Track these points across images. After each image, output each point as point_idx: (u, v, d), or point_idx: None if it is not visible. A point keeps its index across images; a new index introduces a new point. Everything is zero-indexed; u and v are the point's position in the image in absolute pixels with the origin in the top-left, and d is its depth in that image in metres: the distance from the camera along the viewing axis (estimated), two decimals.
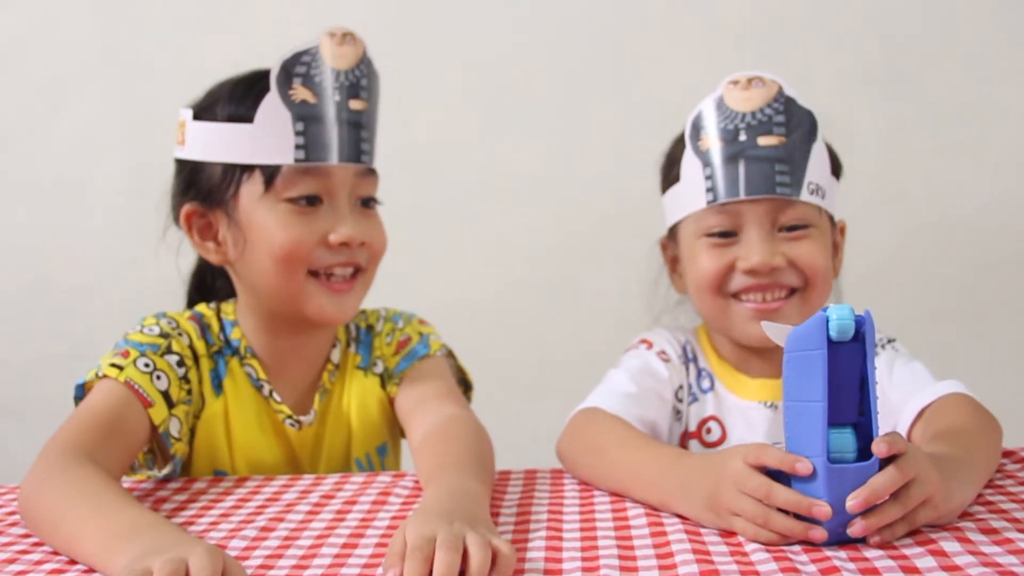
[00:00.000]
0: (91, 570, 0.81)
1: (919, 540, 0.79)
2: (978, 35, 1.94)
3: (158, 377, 1.06)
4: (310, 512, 0.96)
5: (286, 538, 0.88)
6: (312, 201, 1.10)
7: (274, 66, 1.07)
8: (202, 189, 1.12)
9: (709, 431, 1.23)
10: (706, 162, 1.14)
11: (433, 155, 1.97)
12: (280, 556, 0.84)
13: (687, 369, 1.23)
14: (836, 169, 1.20)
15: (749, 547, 0.80)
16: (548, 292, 2.00)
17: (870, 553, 0.78)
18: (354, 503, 0.98)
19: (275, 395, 1.15)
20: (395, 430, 1.22)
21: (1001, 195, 1.96)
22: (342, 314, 1.13)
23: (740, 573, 0.75)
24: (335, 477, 1.07)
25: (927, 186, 1.94)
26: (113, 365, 1.05)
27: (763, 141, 1.12)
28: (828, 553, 0.78)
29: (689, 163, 1.16)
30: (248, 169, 1.09)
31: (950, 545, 0.78)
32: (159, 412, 1.05)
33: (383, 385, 1.20)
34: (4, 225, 2.03)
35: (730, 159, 1.13)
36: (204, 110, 1.12)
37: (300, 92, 1.07)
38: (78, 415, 1.01)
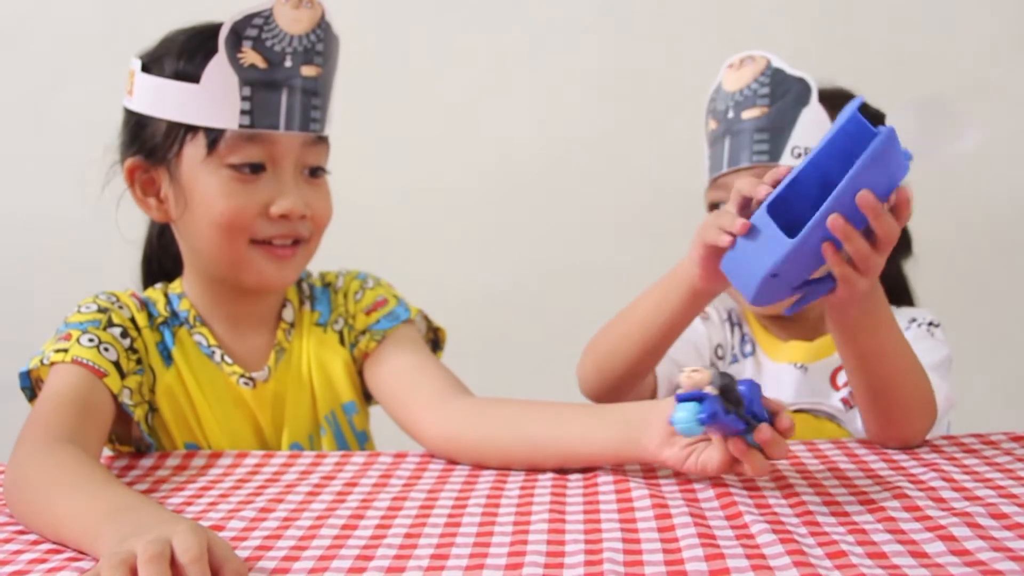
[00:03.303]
0: (77, 556, 0.80)
1: (928, 525, 0.78)
2: (981, 18, 1.92)
3: (105, 349, 1.05)
4: (310, 493, 0.95)
5: (285, 519, 0.87)
6: (255, 169, 1.08)
7: (224, 27, 1.04)
8: (146, 144, 1.10)
9: None
10: (708, 142, 1.23)
11: (448, 145, 1.96)
12: (279, 537, 0.83)
13: (730, 331, 1.28)
14: None
15: (755, 528, 0.79)
16: (579, 280, 1.99)
17: (878, 537, 0.77)
18: (355, 485, 0.97)
19: (226, 358, 1.14)
20: (359, 388, 1.20)
21: (1009, 180, 1.94)
22: (282, 280, 1.13)
23: (745, 556, 0.74)
24: (335, 457, 1.06)
25: (929, 172, 1.92)
26: (58, 351, 1.03)
27: (746, 115, 1.17)
28: (835, 537, 0.77)
29: (703, 142, 1.25)
30: (192, 130, 1.07)
31: (959, 530, 0.76)
32: (114, 381, 1.04)
33: (343, 341, 1.19)
34: (3, 203, 2.01)
35: (718, 138, 1.20)
36: (153, 63, 1.10)
37: (249, 56, 1.05)
38: (44, 403, 0.99)
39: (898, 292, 1.27)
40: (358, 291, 1.21)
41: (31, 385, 1.05)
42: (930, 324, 1.21)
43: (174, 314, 1.15)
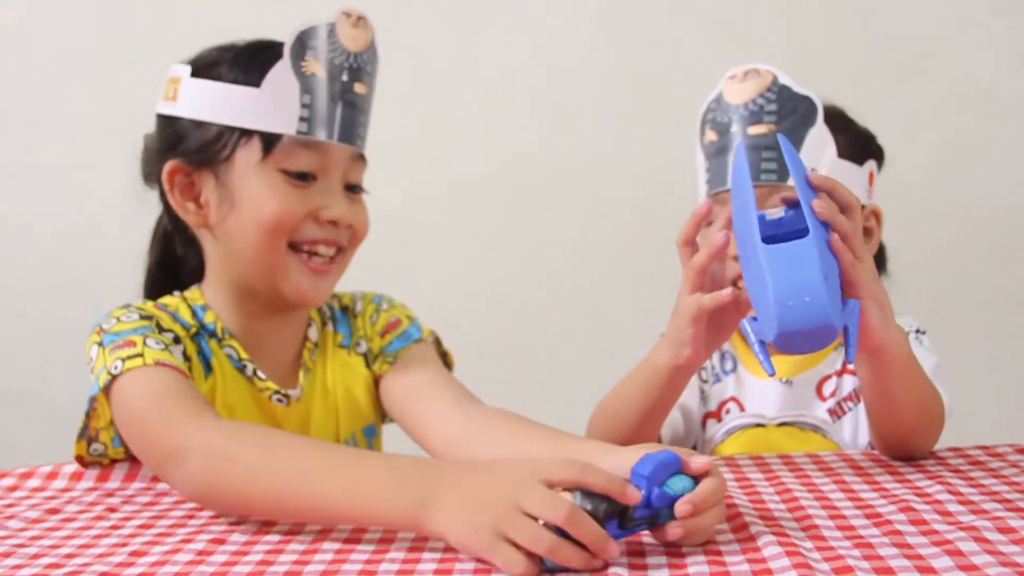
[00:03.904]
0: (78, 569, 0.79)
1: (935, 540, 0.78)
2: (987, 24, 1.92)
3: (172, 353, 1.03)
4: None
5: (287, 532, 0.86)
6: (305, 178, 1.08)
7: (290, 36, 1.06)
8: (191, 148, 1.08)
9: (728, 411, 1.26)
10: (706, 155, 1.19)
11: (450, 152, 1.96)
12: (281, 551, 0.82)
13: None
14: (858, 154, 1.21)
15: (761, 541, 0.79)
16: (583, 286, 1.99)
17: (884, 551, 0.76)
18: None
19: (259, 373, 1.12)
20: (380, 411, 1.20)
21: (1012, 187, 1.94)
22: (317, 294, 1.11)
23: (752, 572, 0.73)
24: None
25: (936, 178, 1.92)
26: (129, 358, 0.99)
27: (752, 130, 1.15)
28: (841, 551, 0.76)
29: (697, 156, 1.21)
30: (247, 134, 1.07)
31: (967, 545, 0.76)
32: (197, 381, 1.03)
33: (367, 365, 1.18)
34: (7, 211, 2.01)
35: (721, 151, 1.16)
36: (206, 68, 1.09)
37: (312, 66, 1.06)
38: (157, 398, 0.96)
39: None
40: (374, 314, 1.20)
41: (90, 409, 1.01)
42: (917, 331, 1.20)
43: (202, 325, 1.12)
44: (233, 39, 1.12)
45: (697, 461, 0.81)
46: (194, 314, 1.12)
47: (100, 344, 1.03)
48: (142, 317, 1.06)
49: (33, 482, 1.04)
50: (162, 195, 1.13)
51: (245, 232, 1.08)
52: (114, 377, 0.99)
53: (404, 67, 1.90)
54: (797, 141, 1.14)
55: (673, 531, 0.77)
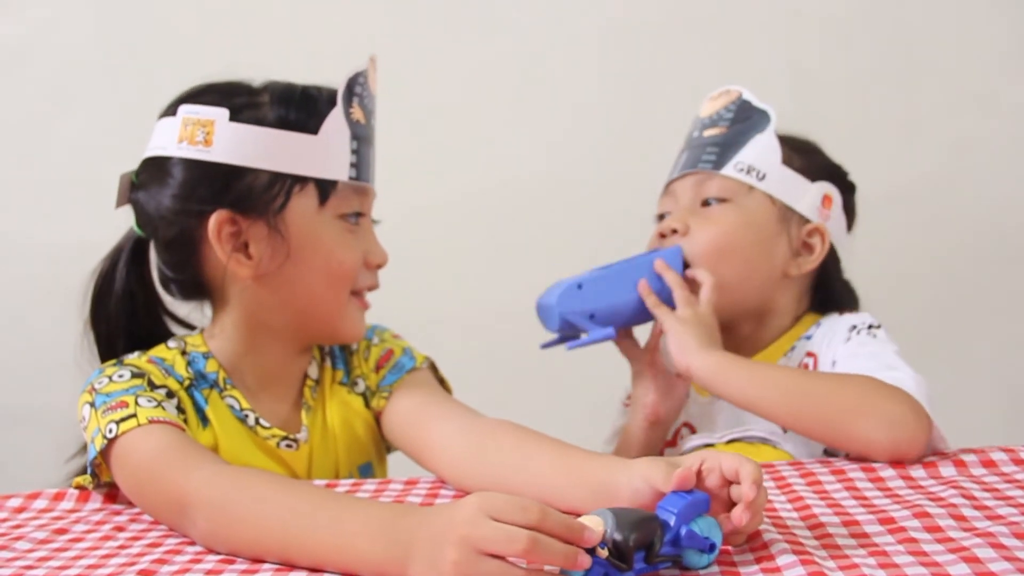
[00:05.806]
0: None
1: (951, 548, 0.77)
2: (991, 28, 1.92)
3: (164, 408, 1.00)
4: None
5: None
6: (357, 218, 1.10)
7: (341, 83, 1.06)
8: (240, 196, 1.04)
9: (682, 437, 1.27)
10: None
11: (451, 164, 1.96)
12: (291, 569, 0.81)
13: None
14: (811, 173, 1.25)
15: (775, 550, 0.78)
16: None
17: (900, 559, 0.76)
18: None
19: (262, 422, 1.09)
20: (380, 448, 1.19)
21: (1015, 190, 1.93)
22: (364, 330, 1.14)
23: (761, 571, 0.73)
24: (346, 485, 1.05)
25: (941, 182, 1.92)
26: (123, 420, 0.96)
27: (707, 133, 1.25)
28: (856, 560, 0.76)
29: None
30: (301, 181, 1.05)
31: (983, 551, 0.75)
32: (194, 433, 1.02)
33: (367, 404, 1.16)
34: (11, 230, 2.00)
35: (680, 153, 1.28)
36: (246, 112, 1.04)
37: (356, 112, 1.08)
38: (157, 456, 0.93)
39: (838, 301, 1.29)
40: (366, 350, 1.18)
41: (94, 473, 1.00)
42: (870, 327, 1.19)
43: (201, 376, 1.08)
44: (230, 76, 1.09)
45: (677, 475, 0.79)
46: (190, 364, 1.09)
47: (92, 405, 1.00)
48: (134, 375, 1.03)
49: (40, 503, 1.03)
50: (166, 244, 1.09)
51: (308, 281, 1.07)
52: (110, 440, 0.96)
53: (406, 79, 1.90)
54: (742, 141, 1.22)
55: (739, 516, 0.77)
